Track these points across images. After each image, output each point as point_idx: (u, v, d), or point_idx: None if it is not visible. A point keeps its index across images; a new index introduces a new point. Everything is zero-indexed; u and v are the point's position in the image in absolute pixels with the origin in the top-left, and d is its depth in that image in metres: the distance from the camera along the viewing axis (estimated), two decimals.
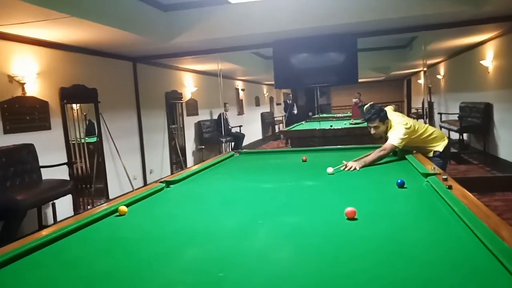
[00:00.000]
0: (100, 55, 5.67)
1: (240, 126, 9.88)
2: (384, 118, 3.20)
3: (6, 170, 3.93)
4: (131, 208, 2.06)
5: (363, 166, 2.87)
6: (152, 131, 7.12)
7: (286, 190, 2.43)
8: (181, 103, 8.11)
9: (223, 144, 8.91)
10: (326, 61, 5.90)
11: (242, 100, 12.16)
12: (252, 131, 12.50)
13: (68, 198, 4.52)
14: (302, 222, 1.72)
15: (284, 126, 12.75)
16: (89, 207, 5.13)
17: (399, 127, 3.13)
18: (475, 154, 7.54)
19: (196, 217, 1.92)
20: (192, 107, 8.64)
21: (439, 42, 7.01)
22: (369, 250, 1.33)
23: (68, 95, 4.98)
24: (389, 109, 3.44)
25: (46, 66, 4.70)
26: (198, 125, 8.83)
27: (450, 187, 1.90)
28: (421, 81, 11.60)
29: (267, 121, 14.50)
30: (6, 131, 4.10)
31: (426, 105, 8.06)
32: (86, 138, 5.46)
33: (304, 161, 3.33)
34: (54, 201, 4.25)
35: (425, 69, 7.85)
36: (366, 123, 3.37)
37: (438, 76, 10.56)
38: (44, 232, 1.65)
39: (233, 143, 9.31)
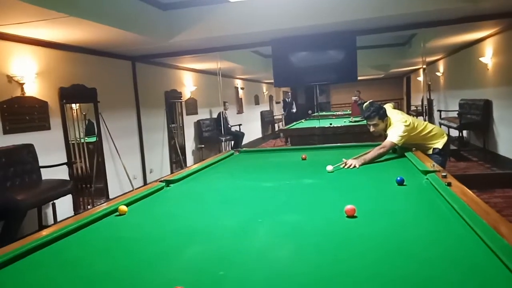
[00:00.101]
0: (99, 55, 5.66)
1: (239, 125, 9.88)
2: (383, 116, 3.20)
3: (6, 170, 3.93)
4: (131, 207, 2.06)
5: (362, 164, 2.87)
6: (152, 130, 7.12)
7: (285, 188, 2.42)
8: (181, 102, 8.11)
9: (223, 143, 8.92)
10: (326, 59, 5.89)
11: (241, 98, 12.16)
12: (252, 130, 12.50)
13: (68, 198, 4.52)
14: (302, 220, 1.73)
15: (284, 124, 12.77)
16: (89, 207, 5.14)
17: (398, 124, 3.14)
18: (475, 151, 7.54)
19: (196, 216, 1.92)
20: (192, 106, 8.64)
21: (438, 39, 7.00)
22: (369, 248, 1.33)
23: (68, 95, 4.97)
24: (388, 107, 3.44)
25: (45, 66, 4.69)
26: (198, 124, 8.83)
27: (449, 184, 1.90)
28: (421, 78, 11.61)
29: (267, 119, 14.50)
30: (5, 132, 4.10)
31: (425, 103, 8.06)
32: (86, 138, 5.46)
33: (304, 159, 3.33)
34: (54, 201, 4.25)
35: (424, 66, 7.85)
36: (365, 121, 3.37)
37: (438, 74, 10.56)
38: (44, 232, 1.65)
39: (232, 142, 9.32)
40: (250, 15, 5.17)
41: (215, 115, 9.55)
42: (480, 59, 6.98)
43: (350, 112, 11.00)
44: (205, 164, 3.32)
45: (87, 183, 5.36)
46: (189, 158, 8.43)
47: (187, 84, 8.53)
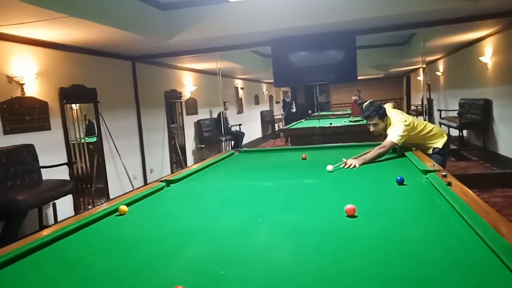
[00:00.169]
0: (99, 55, 5.67)
1: (239, 125, 9.88)
2: (383, 116, 3.20)
3: (6, 170, 3.93)
4: (131, 207, 2.06)
5: (362, 164, 2.87)
6: (152, 130, 7.12)
7: (286, 188, 2.43)
8: (181, 102, 8.11)
9: (223, 143, 8.92)
10: (325, 58, 5.89)
11: (241, 98, 12.16)
12: (252, 130, 12.50)
13: (69, 198, 4.52)
14: (302, 220, 1.73)
15: (284, 124, 12.76)
16: (89, 207, 5.14)
17: (398, 124, 3.14)
18: (475, 151, 7.54)
19: (196, 216, 1.92)
20: (192, 106, 8.65)
21: (438, 38, 7.00)
22: (369, 248, 1.33)
23: (68, 95, 4.97)
24: (388, 107, 3.45)
25: (45, 66, 4.70)
26: (198, 124, 8.83)
27: (449, 184, 1.90)
28: (421, 78, 11.60)
29: (267, 119, 14.50)
30: (6, 132, 4.10)
31: (425, 102, 8.06)
32: (86, 138, 5.46)
33: (304, 159, 3.33)
34: (55, 201, 4.25)
35: (424, 66, 7.85)
36: (365, 121, 3.37)
37: (437, 73, 10.56)
38: (45, 232, 1.66)
39: (232, 142, 9.32)
40: (250, 15, 5.17)
41: (215, 115, 9.55)
42: (480, 58, 6.98)
43: (350, 111, 11.00)
44: (205, 164, 3.32)
45: (88, 183, 5.36)
46: (189, 158, 8.44)
47: (187, 84, 8.53)
